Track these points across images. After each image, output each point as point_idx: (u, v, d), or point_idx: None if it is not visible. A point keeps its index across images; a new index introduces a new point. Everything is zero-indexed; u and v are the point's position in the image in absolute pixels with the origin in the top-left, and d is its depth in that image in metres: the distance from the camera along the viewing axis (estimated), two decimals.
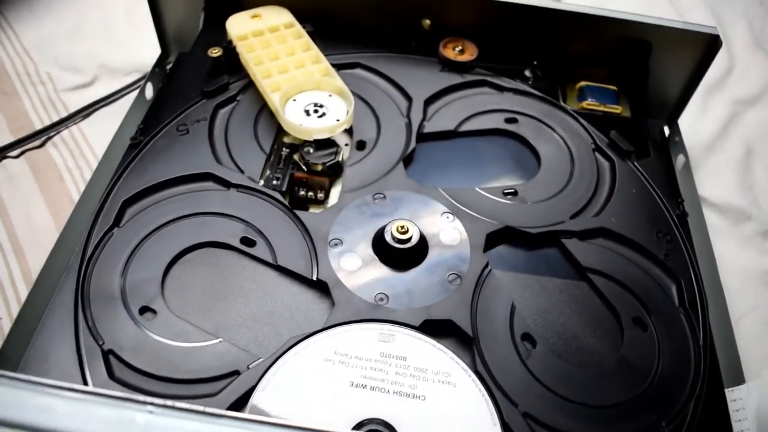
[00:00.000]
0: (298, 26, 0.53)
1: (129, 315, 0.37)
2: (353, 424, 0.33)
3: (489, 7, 0.54)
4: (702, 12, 0.82)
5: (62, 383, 0.27)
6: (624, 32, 0.54)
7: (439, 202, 0.44)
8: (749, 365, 0.43)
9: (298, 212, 0.43)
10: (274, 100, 0.47)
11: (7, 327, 0.45)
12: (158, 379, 0.35)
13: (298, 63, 0.50)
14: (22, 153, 0.57)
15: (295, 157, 0.46)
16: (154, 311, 0.37)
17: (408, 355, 0.36)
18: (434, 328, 0.37)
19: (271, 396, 0.34)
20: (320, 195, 0.46)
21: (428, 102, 0.51)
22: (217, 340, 0.36)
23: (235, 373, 0.35)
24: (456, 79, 0.53)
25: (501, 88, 0.54)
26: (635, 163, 0.49)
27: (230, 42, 0.51)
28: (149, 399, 0.27)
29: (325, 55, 0.50)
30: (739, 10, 0.84)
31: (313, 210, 0.45)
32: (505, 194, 0.46)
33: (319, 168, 0.45)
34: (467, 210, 0.44)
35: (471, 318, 0.38)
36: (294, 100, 0.47)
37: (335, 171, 0.46)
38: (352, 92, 0.48)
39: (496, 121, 0.51)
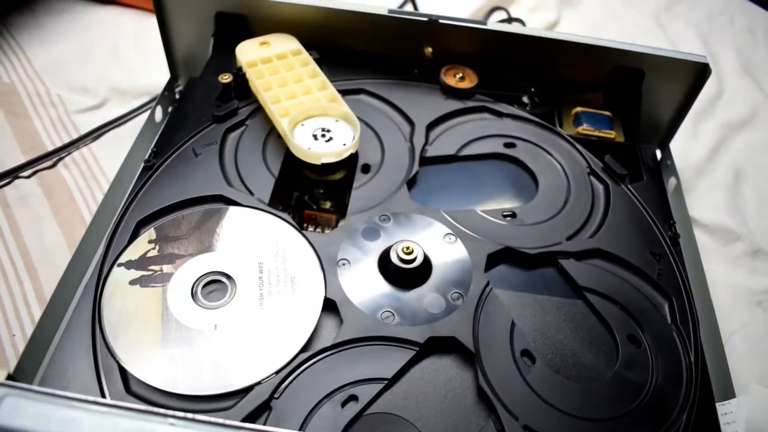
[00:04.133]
0: (305, 53, 0.54)
1: None
2: None
3: (489, 37, 0.56)
4: (692, 39, 0.85)
5: (87, 397, 0.28)
6: (618, 61, 0.56)
7: (442, 223, 0.45)
8: (739, 380, 0.44)
9: (307, 233, 0.44)
10: (283, 124, 0.48)
11: (20, 343, 0.46)
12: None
13: (306, 89, 0.51)
14: (34, 173, 0.58)
15: (306, 198, 0.49)
16: None
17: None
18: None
19: None
20: (327, 231, 0.48)
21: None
22: None
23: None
24: (457, 105, 0.55)
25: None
26: (629, 187, 0.51)
27: (240, 68, 0.53)
28: (171, 412, 0.28)
29: (331, 82, 0.52)
30: (728, 38, 0.86)
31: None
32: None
33: (328, 206, 0.48)
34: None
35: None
36: (302, 125, 0.49)
37: (341, 210, 0.48)
38: (358, 117, 0.49)
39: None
